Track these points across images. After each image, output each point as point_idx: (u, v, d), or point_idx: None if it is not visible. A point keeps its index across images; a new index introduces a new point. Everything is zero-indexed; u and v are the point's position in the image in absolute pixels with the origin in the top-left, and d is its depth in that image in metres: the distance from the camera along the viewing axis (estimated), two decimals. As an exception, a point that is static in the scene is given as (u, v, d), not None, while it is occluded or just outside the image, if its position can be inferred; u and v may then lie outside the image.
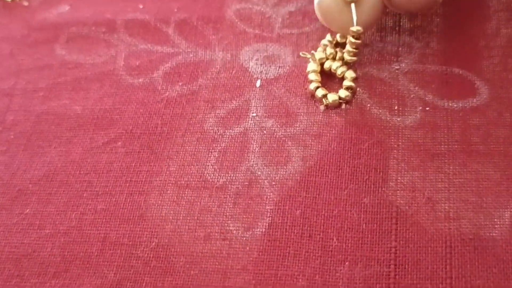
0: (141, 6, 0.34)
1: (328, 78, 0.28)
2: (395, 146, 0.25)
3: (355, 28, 0.26)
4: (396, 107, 0.26)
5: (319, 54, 0.29)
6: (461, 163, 0.24)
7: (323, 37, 0.30)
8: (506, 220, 0.23)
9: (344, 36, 0.29)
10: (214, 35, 0.32)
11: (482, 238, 0.22)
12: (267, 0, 0.33)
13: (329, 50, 0.29)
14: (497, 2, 0.30)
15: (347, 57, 0.28)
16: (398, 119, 0.26)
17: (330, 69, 0.28)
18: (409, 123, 0.26)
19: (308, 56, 0.29)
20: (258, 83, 0.29)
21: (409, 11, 0.28)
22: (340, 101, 0.27)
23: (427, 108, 0.26)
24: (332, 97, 0.27)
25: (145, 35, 0.33)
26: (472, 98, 0.27)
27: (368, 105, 0.27)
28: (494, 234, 0.22)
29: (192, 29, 0.33)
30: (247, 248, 0.24)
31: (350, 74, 0.28)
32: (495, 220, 0.23)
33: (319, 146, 0.26)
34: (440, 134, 0.25)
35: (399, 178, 0.24)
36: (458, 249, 0.22)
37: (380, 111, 0.26)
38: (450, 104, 0.26)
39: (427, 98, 0.27)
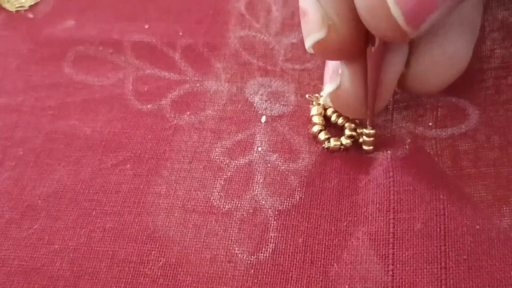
0: (146, 26, 0.36)
1: (331, 123, 0.31)
2: (389, 178, 0.27)
3: (368, 130, 0.28)
4: (387, 143, 0.29)
5: (322, 100, 0.31)
6: (454, 188, 0.27)
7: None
8: (500, 239, 0.25)
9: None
10: (219, 63, 0.34)
11: (477, 257, 0.24)
12: (269, 28, 0.36)
13: None
14: (492, 22, 0.31)
15: (365, 147, 0.29)
16: (389, 152, 0.28)
17: (331, 119, 0.30)
18: (400, 155, 0.28)
19: (313, 99, 0.31)
20: (263, 119, 0.31)
21: (422, 93, 0.29)
22: (341, 147, 0.29)
23: (416, 140, 0.29)
24: (334, 142, 0.29)
25: (152, 58, 0.35)
26: (461, 124, 0.29)
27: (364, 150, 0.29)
28: (488, 254, 0.24)
29: (198, 56, 0.34)
30: (252, 271, 0.26)
31: (350, 125, 0.30)
32: (489, 240, 0.25)
33: (320, 183, 0.28)
34: (432, 162, 0.28)
35: (395, 206, 0.26)
36: (453, 269, 0.24)
37: (373, 154, 0.29)
38: (438, 133, 0.29)
39: (416, 131, 0.29)
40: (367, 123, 0.28)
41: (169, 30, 0.36)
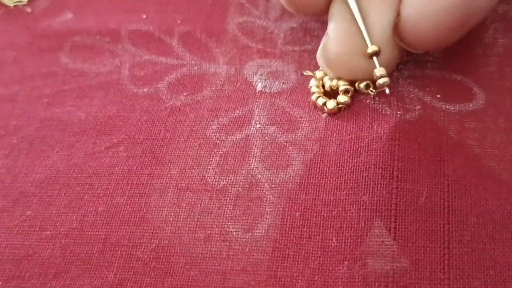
0: (144, 16, 0.36)
1: (330, 91, 0.29)
2: (395, 141, 0.26)
3: (382, 80, 0.26)
4: (395, 103, 0.27)
5: (319, 73, 0.30)
6: (459, 165, 0.25)
7: None
8: (504, 223, 0.23)
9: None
10: (218, 48, 0.33)
11: (480, 239, 0.23)
12: (269, 14, 0.35)
13: None
14: (493, 14, 0.31)
15: (380, 81, 0.27)
16: (398, 112, 0.27)
17: (325, 85, 0.29)
18: (409, 118, 0.27)
19: (311, 74, 0.30)
20: (258, 87, 0.30)
21: (428, 49, 0.28)
22: (340, 106, 0.28)
23: (426, 108, 0.27)
24: (331, 103, 0.28)
25: (149, 46, 0.34)
26: (469, 102, 0.28)
27: (368, 101, 0.28)
28: (492, 237, 0.23)
29: (196, 42, 0.34)
30: (247, 249, 0.24)
31: (342, 82, 0.28)
32: (493, 223, 0.23)
33: (319, 149, 0.27)
34: (439, 134, 0.26)
35: (399, 174, 0.24)
36: (456, 250, 0.23)
37: (380, 106, 0.27)
38: (447, 107, 0.27)
39: (425, 99, 0.28)
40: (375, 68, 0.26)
41: (167, 19, 0.35)
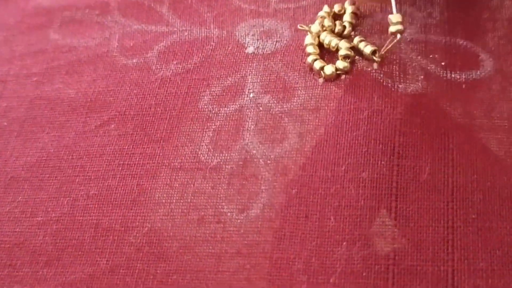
0: None
1: (327, 50, 0.28)
2: (396, 115, 0.24)
3: (395, 28, 0.24)
4: (397, 74, 0.25)
5: (315, 27, 0.28)
6: (465, 139, 0.23)
7: (321, 9, 0.29)
8: None
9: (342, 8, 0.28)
10: (209, 12, 0.31)
11: (486, 217, 0.21)
12: None
13: (327, 22, 0.28)
14: None
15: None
16: (400, 86, 0.25)
17: (324, 43, 0.27)
18: (411, 91, 0.25)
19: (306, 28, 0.28)
20: (250, 50, 0.28)
21: None
22: (338, 72, 0.26)
23: (429, 78, 0.25)
24: (329, 69, 0.26)
25: (139, 15, 0.32)
26: (476, 70, 0.26)
27: (369, 69, 0.26)
28: (499, 215, 0.21)
29: (187, 7, 0.32)
30: (242, 231, 0.23)
31: (344, 44, 0.27)
32: (500, 199, 0.22)
33: (317, 120, 0.25)
34: (443, 106, 0.24)
35: (400, 150, 0.23)
36: (460, 229, 0.21)
37: (381, 76, 0.26)
38: (453, 76, 0.26)
39: (429, 68, 0.26)
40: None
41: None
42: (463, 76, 0.25)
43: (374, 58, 0.26)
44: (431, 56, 0.26)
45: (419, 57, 0.26)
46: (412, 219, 0.21)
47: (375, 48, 0.26)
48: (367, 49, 0.26)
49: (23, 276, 0.24)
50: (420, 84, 0.25)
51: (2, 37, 0.34)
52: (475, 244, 0.21)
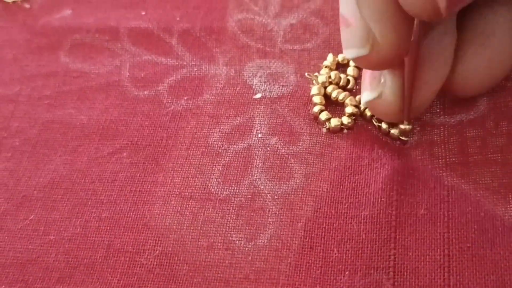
0: (143, 13, 0.36)
1: (332, 101, 0.30)
2: (394, 160, 0.27)
3: (404, 125, 0.27)
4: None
5: (321, 78, 0.31)
6: (460, 175, 0.26)
7: (324, 55, 0.32)
8: (505, 227, 0.24)
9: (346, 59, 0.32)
10: (217, 47, 0.34)
11: (480, 245, 0.24)
12: (268, 10, 0.35)
13: (333, 75, 0.31)
14: None
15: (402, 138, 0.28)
16: (397, 142, 0.28)
17: (331, 96, 0.30)
18: (409, 144, 0.28)
19: (312, 78, 0.31)
20: (258, 96, 0.31)
21: (465, 97, 0.28)
22: (342, 126, 0.29)
23: (425, 128, 0.28)
24: (334, 122, 0.29)
25: (149, 45, 0.35)
26: (470, 111, 0.28)
27: (369, 127, 0.29)
28: (492, 242, 0.24)
29: (195, 40, 0.34)
30: (249, 258, 0.26)
31: (351, 101, 0.29)
32: (493, 228, 0.24)
33: (321, 164, 0.28)
34: (438, 149, 0.27)
35: (398, 189, 0.26)
36: (456, 257, 0.24)
37: (380, 134, 0.29)
38: (447, 120, 0.28)
39: (425, 117, 0.29)
40: (404, 118, 0.27)
41: (166, 16, 0.36)
42: (457, 119, 0.28)
43: (374, 121, 0.29)
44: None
45: None
46: (410, 248, 0.24)
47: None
48: (369, 113, 0.29)
49: (35, 291, 0.26)
50: (416, 137, 0.28)
51: (11, 55, 0.35)
52: (470, 270, 0.23)
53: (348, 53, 0.24)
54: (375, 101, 0.27)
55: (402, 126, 0.27)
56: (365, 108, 0.29)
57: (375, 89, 0.27)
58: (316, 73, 0.31)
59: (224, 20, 0.35)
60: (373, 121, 0.29)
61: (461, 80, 0.26)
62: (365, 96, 0.27)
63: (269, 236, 0.26)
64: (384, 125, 0.28)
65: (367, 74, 0.28)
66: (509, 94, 0.29)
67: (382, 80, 0.26)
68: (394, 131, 0.28)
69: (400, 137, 0.28)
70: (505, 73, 0.27)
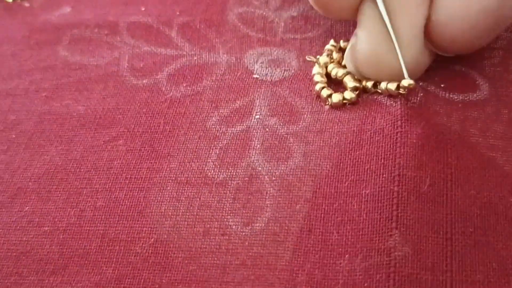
0: (143, 9, 0.36)
1: (334, 80, 0.30)
2: (397, 129, 0.26)
3: (406, 82, 0.26)
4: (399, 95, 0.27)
5: (323, 58, 0.30)
6: (462, 154, 0.25)
7: (326, 42, 0.31)
8: (506, 216, 0.23)
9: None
10: (218, 38, 0.33)
11: (483, 232, 0.23)
12: (269, 4, 0.35)
13: (335, 54, 0.30)
14: None
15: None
16: (400, 103, 0.27)
17: (331, 73, 0.29)
18: (411, 105, 0.27)
19: (314, 59, 0.30)
20: (256, 76, 0.30)
21: (459, 52, 0.28)
22: (345, 101, 0.28)
23: (428, 96, 0.27)
24: (336, 97, 0.28)
25: (148, 37, 0.34)
26: (473, 93, 0.28)
27: (375, 97, 0.28)
28: (495, 230, 0.23)
29: (195, 32, 0.34)
30: (246, 243, 0.24)
31: (350, 77, 0.28)
32: (495, 215, 0.23)
33: (321, 141, 0.27)
34: (440, 121, 0.26)
35: (401, 161, 0.24)
36: (458, 241, 0.23)
37: (385, 98, 0.28)
38: (450, 96, 0.27)
39: (428, 88, 0.28)
40: (403, 73, 0.26)
41: (166, 11, 0.36)
42: (460, 97, 0.27)
43: (378, 90, 0.28)
44: (430, 79, 0.28)
45: (419, 81, 0.28)
46: (412, 228, 0.23)
47: (376, 82, 0.28)
48: (369, 83, 0.28)
49: (30, 284, 0.25)
50: (419, 99, 0.27)
51: (10, 52, 0.35)
52: (473, 256, 0.22)
53: None
54: (353, 51, 0.28)
55: (404, 83, 0.26)
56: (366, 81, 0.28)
57: (351, 41, 0.28)
58: (318, 56, 0.30)
59: (224, 14, 0.35)
60: (377, 88, 0.28)
61: (440, 30, 0.26)
62: (346, 51, 0.29)
63: (266, 219, 0.25)
64: (383, 85, 0.27)
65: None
66: (510, 85, 0.28)
67: (355, 31, 0.28)
68: (390, 86, 0.27)
69: (400, 92, 0.27)
70: (486, 24, 0.25)
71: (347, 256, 0.23)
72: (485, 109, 0.27)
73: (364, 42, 0.27)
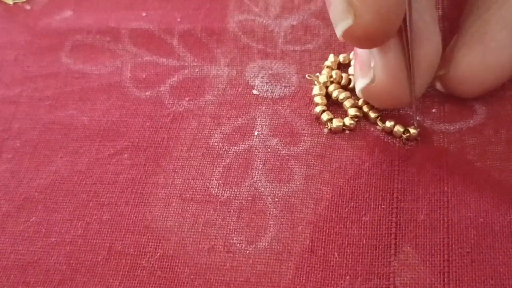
0: (144, 14, 0.37)
1: (334, 101, 0.31)
2: (394, 166, 0.27)
3: (412, 130, 0.28)
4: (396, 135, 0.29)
5: (323, 78, 0.31)
6: (459, 181, 0.26)
7: (325, 55, 0.33)
8: (504, 233, 0.25)
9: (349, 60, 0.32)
10: (218, 48, 0.34)
11: (480, 250, 0.24)
12: (269, 11, 0.36)
13: (334, 74, 0.31)
14: None
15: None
16: (397, 144, 0.28)
17: (332, 95, 0.31)
18: (408, 146, 0.28)
19: (314, 79, 0.31)
20: (255, 91, 0.32)
21: (463, 96, 0.29)
22: (344, 127, 0.29)
23: (426, 133, 0.29)
24: (336, 122, 0.29)
25: (150, 46, 0.35)
26: (469, 119, 0.29)
27: (372, 129, 0.29)
28: (492, 247, 0.24)
29: (196, 41, 0.35)
30: (250, 261, 0.26)
31: (350, 102, 0.30)
32: (492, 233, 0.25)
33: (321, 165, 0.28)
34: (438, 155, 0.28)
35: (398, 195, 0.26)
36: (455, 262, 0.24)
37: (383, 134, 0.29)
38: (447, 128, 0.29)
39: (425, 124, 0.29)
40: (414, 122, 0.28)
41: (167, 17, 0.36)
42: (457, 126, 0.29)
43: (378, 123, 0.29)
44: (427, 112, 0.30)
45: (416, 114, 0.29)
46: (410, 254, 0.24)
47: (379, 114, 0.29)
48: (373, 114, 0.29)
49: (37, 294, 0.27)
50: (416, 143, 0.28)
51: (13, 57, 0.36)
52: (470, 275, 0.24)
53: (337, 31, 0.25)
54: (369, 87, 0.27)
55: (412, 130, 0.28)
56: (368, 110, 0.29)
57: (367, 74, 0.27)
58: (318, 74, 0.31)
59: (224, 21, 0.36)
60: (378, 122, 0.29)
61: (454, 80, 0.27)
62: (359, 84, 0.28)
63: (270, 239, 0.26)
64: (388, 124, 0.29)
65: (356, 61, 0.28)
66: (508, 102, 0.29)
67: (373, 64, 0.27)
68: (397, 129, 0.28)
69: (403, 136, 0.28)
70: (500, 79, 0.27)
71: (347, 277, 0.25)
72: (483, 133, 0.28)
73: (384, 80, 0.27)
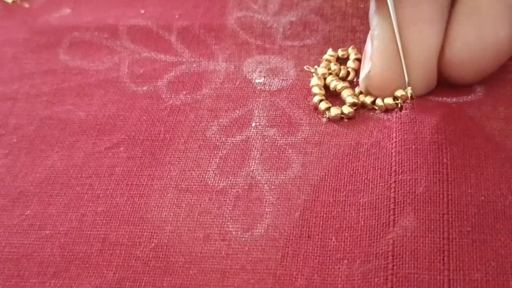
0: (142, 11, 0.37)
1: (332, 92, 0.31)
2: (392, 139, 0.27)
3: (399, 92, 0.28)
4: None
5: (321, 69, 0.31)
6: (459, 154, 0.26)
7: (324, 50, 0.33)
8: (505, 214, 0.24)
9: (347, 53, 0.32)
10: (217, 44, 0.34)
11: (481, 230, 0.24)
12: (267, 8, 0.36)
13: (333, 66, 0.31)
14: None
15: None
16: (395, 116, 0.28)
17: (330, 86, 0.30)
18: (404, 113, 0.28)
19: (312, 70, 0.31)
20: (257, 85, 0.32)
21: (458, 83, 0.29)
22: (342, 116, 0.29)
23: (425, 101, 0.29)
24: (334, 111, 0.29)
25: (148, 42, 0.35)
26: (467, 95, 0.29)
27: (371, 113, 0.29)
28: (493, 228, 0.24)
29: (195, 37, 0.35)
30: (246, 248, 0.26)
31: (348, 92, 0.30)
32: (494, 213, 0.24)
33: (319, 153, 0.28)
34: (434, 122, 0.27)
35: (396, 168, 0.26)
36: (456, 241, 0.23)
37: (381, 115, 0.29)
38: (444, 99, 0.29)
39: (425, 95, 0.29)
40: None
41: (165, 14, 0.37)
42: (454, 100, 0.29)
43: (375, 107, 0.29)
44: None
45: None
46: (409, 229, 0.24)
47: (375, 98, 0.29)
48: (368, 100, 0.29)
49: (31, 287, 0.26)
50: (413, 105, 0.28)
51: (11, 54, 0.36)
52: (470, 255, 0.23)
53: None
54: (368, 75, 0.28)
55: (398, 93, 0.28)
56: (364, 96, 0.29)
57: (367, 64, 0.28)
58: (316, 66, 0.31)
59: (223, 18, 0.36)
60: (374, 105, 0.29)
61: (449, 63, 0.27)
62: (361, 75, 0.29)
63: (266, 226, 0.26)
64: (379, 101, 0.29)
65: (363, 57, 0.29)
66: (507, 84, 0.29)
67: (369, 53, 0.29)
68: (387, 100, 0.28)
69: (396, 102, 0.28)
70: (497, 60, 0.27)
71: (345, 261, 0.24)
72: (480, 108, 0.28)
73: (379, 69, 0.28)
